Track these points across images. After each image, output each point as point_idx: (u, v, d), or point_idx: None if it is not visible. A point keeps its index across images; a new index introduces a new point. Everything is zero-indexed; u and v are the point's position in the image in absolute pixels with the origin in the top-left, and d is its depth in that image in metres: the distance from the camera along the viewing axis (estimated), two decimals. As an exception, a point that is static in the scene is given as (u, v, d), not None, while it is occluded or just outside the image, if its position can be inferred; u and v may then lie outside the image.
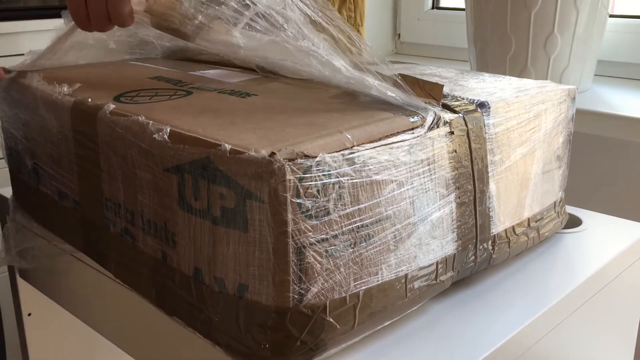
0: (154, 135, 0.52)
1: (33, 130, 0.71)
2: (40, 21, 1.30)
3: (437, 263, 0.56)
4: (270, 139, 0.47)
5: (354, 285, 0.49)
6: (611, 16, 1.27)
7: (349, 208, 0.48)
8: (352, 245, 0.48)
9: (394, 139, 0.50)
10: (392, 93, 0.54)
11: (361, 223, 0.49)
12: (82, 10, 0.61)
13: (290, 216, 0.45)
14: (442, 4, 1.66)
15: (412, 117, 0.53)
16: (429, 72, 0.71)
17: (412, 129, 0.52)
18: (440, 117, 0.54)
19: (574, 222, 0.77)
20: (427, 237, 0.54)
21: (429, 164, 0.53)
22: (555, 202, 0.70)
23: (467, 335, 0.55)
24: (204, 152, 0.48)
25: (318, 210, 0.46)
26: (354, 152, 0.47)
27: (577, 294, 0.64)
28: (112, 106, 0.58)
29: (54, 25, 0.71)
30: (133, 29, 0.74)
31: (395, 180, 0.50)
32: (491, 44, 1.22)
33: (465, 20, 1.30)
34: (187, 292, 0.53)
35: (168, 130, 0.51)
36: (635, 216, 0.81)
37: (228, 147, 0.46)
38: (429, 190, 0.53)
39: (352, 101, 0.57)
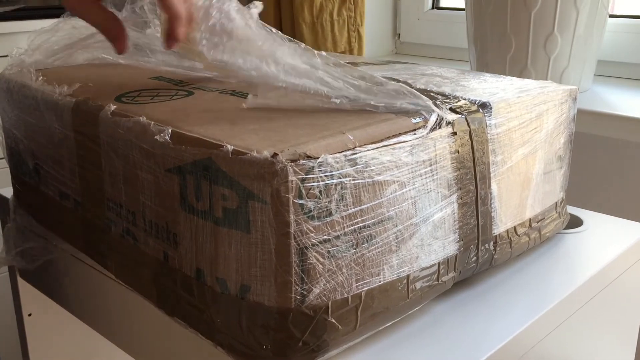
0: (155, 136, 0.51)
1: (34, 131, 0.71)
2: (41, 21, 1.30)
3: (439, 264, 0.56)
4: (273, 140, 0.47)
5: (356, 286, 0.49)
6: (611, 16, 1.27)
7: (351, 209, 0.47)
8: (354, 246, 0.48)
9: (396, 139, 0.50)
10: (394, 99, 0.54)
11: (363, 224, 0.49)
12: None
13: (292, 217, 0.45)
14: (442, 4, 1.66)
15: (414, 118, 0.53)
16: (430, 72, 0.71)
17: (414, 129, 0.52)
18: (442, 118, 0.54)
19: (575, 222, 0.77)
20: (429, 237, 0.54)
21: (431, 165, 0.53)
22: (556, 202, 0.70)
23: (469, 336, 0.55)
24: (206, 153, 0.47)
25: (320, 211, 0.46)
26: (356, 153, 0.47)
27: (579, 294, 0.64)
28: (113, 107, 0.58)
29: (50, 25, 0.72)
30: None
31: (397, 181, 0.50)
32: (491, 44, 1.22)
33: (465, 20, 1.30)
34: (188, 293, 0.53)
35: (170, 131, 0.51)
36: (636, 216, 0.81)
37: (230, 147, 0.46)
38: (431, 190, 0.53)
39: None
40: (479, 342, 0.54)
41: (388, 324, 0.54)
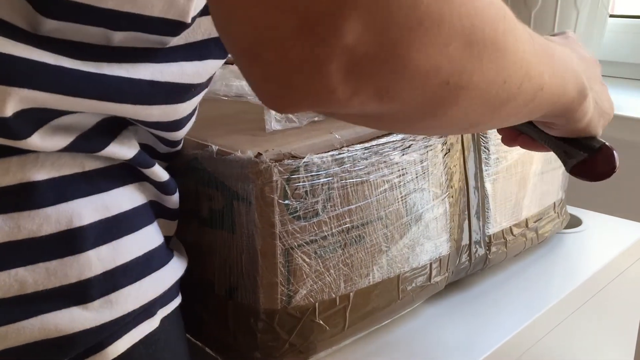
0: (142, 138, 0.51)
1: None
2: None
3: (430, 264, 0.55)
4: (258, 140, 0.46)
5: (344, 287, 0.48)
6: (611, 16, 1.26)
7: (338, 209, 0.47)
8: (343, 247, 0.48)
9: (385, 139, 0.50)
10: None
11: (352, 224, 0.48)
12: None
13: (277, 217, 0.44)
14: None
15: (403, 117, 0.52)
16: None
17: (403, 128, 0.51)
18: (432, 116, 0.53)
19: (574, 222, 0.76)
20: (420, 237, 0.53)
21: (422, 164, 0.52)
22: (555, 202, 0.69)
23: (463, 338, 0.54)
24: (191, 154, 0.47)
25: (306, 211, 0.45)
26: (343, 153, 0.47)
27: (578, 294, 0.63)
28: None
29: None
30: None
31: (387, 181, 0.50)
32: (491, 45, 1.21)
33: (465, 22, 1.29)
34: (177, 296, 0.52)
35: (156, 132, 0.51)
36: (636, 216, 0.80)
37: (215, 148, 0.46)
38: (422, 190, 0.53)
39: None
40: (474, 345, 0.53)
41: (378, 326, 0.53)
